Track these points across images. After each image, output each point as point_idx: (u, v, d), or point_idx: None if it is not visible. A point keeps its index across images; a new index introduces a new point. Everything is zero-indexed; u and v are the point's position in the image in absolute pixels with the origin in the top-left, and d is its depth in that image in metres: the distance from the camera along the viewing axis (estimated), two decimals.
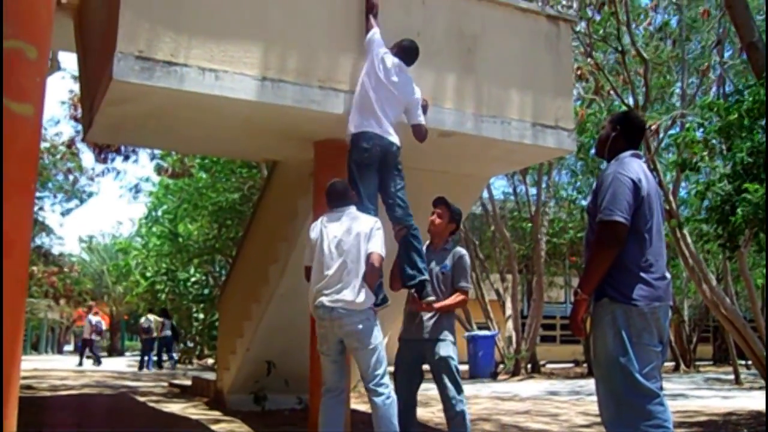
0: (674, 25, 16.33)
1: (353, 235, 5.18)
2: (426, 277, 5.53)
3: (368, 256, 5.13)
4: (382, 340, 5.26)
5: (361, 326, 5.07)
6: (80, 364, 22.96)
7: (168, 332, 22.14)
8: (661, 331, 3.79)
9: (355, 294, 5.08)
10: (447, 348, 5.39)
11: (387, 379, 5.11)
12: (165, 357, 22.63)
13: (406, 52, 6.06)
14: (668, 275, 3.93)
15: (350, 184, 5.63)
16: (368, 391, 5.12)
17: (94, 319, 23.86)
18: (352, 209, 5.34)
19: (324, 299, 5.10)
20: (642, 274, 3.77)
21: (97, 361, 23.57)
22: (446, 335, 5.44)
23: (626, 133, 4.12)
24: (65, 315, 46.20)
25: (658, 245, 3.87)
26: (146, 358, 22.13)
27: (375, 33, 6.02)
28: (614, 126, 4.16)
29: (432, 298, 5.47)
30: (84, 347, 24.13)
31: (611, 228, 3.72)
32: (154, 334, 22.15)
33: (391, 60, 5.95)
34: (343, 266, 5.12)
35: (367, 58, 5.95)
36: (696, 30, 16.32)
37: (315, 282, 5.21)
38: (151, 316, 22.67)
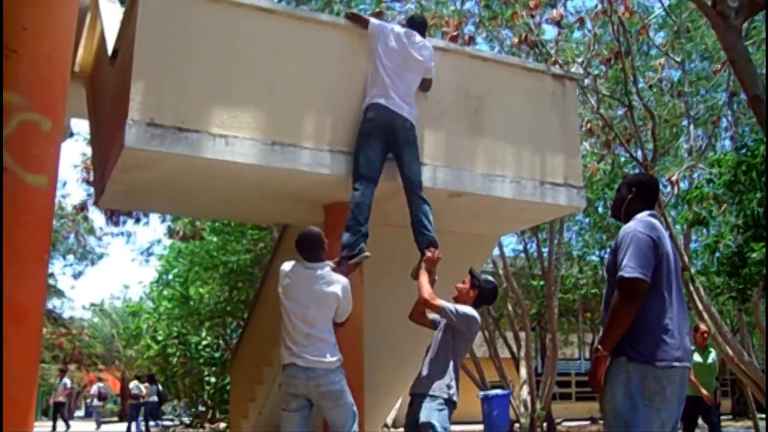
0: (680, 77, 16.47)
1: (325, 295, 5.17)
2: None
3: (339, 323, 5.26)
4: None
5: (336, 386, 5.08)
6: (53, 429, 22.72)
7: (154, 398, 22.04)
8: (679, 393, 3.74)
9: (330, 353, 5.09)
10: (429, 412, 5.08)
11: None
12: (152, 423, 22.49)
13: (416, 22, 6.55)
14: (687, 338, 3.89)
15: (354, 154, 5.92)
16: None
17: (94, 386, 23.63)
18: (326, 269, 5.31)
19: (297, 360, 5.04)
20: (661, 334, 3.74)
21: (67, 425, 23.28)
22: (436, 391, 5.15)
23: (642, 194, 4.15)
24: (76, 380, 45.91)
25: (678, 304, 3.86)
26: (134, 423, 21.98)
27: (373, 20, 6.44)
28: (630, 188, 4.19)
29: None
30: (56, 411, 23.85)
31: (632, 285, 3.70)
32: (141, 400, 22.09)
33: (399, 29, 6.36)
34: (316, 325, 5.11)
35: (375, 42, 6.23)
36: (706, 81, 16.44)
37: (287, 340, 5.15)
38: (141, 385, 22.62)
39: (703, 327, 9.99)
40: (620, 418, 3.68)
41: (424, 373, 5.26)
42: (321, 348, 5.08)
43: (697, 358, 9.19)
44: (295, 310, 5.14)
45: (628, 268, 3.72)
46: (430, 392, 5.12)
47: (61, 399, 23.45)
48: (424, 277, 5.55)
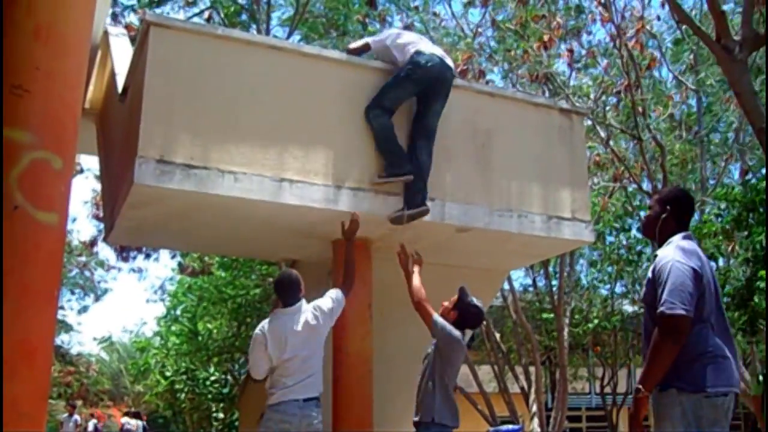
0: (689, 111, 16.54)
1: (310, 327, 5.12)
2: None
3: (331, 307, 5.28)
4: None
5: (320, 425, 5.01)
6: None
7: None
8: (728, 419, 3.61)
9: (320, 385, 5.11)
10: None
11: None
12: None
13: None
14: (733, 362, 3.73)
15: (387, 85, 6.14)
16: None
17: (91, 423, 23.65)
18: (303, 304, 5.26)
19: (293, 394, 4.95)
20: (710, 361, 3.58)
21: None
22: (425, 417, 5.05)
23: (677, 213, 3.95)
24: (84, 416, 45.69)
25: (722, 330, 3.71)
26: None
27: (369, 39, 6.82)
28: (664, 206, 3.97)
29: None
30: None
31: (674, 322, 3.52)
32: None
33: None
34: (309, 360, 5.06)
35: (387, 41, 6.54)
36: (714, 115, 16.49)
37: (281, 377, 5.03)
38: (132, 420, 22.74)
39: None
40: None
41: (417, 400, 5.20)
42: (315, 381, 5.07)
43: None
44: (288, 357, 5.06)
45: (669, 304, 3.53)
46: (423, 419, 5.05)
47: None
48: (415, 277, 5.48)
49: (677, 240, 3.84)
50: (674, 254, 3.71)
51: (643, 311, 3.82)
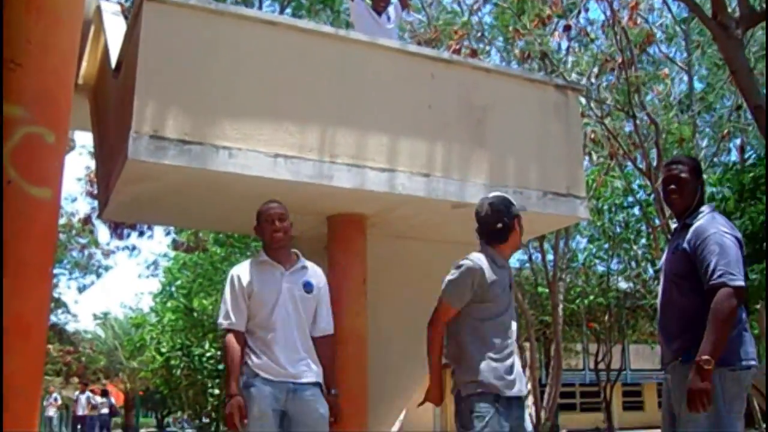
0: (686, 91, 16.52)
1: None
2: None
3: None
4: None
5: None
6: None
7: (105, 410, 22.41)
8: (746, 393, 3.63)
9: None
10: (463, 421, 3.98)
11: None
12: None
13: None
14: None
15: None
16: None
17: (83, 396, 23.83)
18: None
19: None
20: (737, 337, 3.59)
21: None
22: (463, 390, 4.06)
23: (702, 182, 3.96)
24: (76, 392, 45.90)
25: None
26: None
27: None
28: (699, 178, 3.94)
29: None
30: (76, 424, 24.12)
31: (738, 293, 3.52)
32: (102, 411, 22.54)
33: None
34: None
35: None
36: (712, 90, 16.49)
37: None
38: (98, 397, 23.00)
39: None
40: (703, 428, 3.49)
41: None
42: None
43: None
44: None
45: (730, 275, 3.52)
46: (462, 393, 4.08)
47: (86, 413, 23.57)
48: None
49: (710, 211, 3.82)
50: (718, 225, 3.71)
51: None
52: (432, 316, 4.28)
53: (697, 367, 3.47)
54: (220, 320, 4.62)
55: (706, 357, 3.46)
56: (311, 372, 4.52)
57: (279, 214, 4.79)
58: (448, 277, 4.28)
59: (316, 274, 4.85)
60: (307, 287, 4.69)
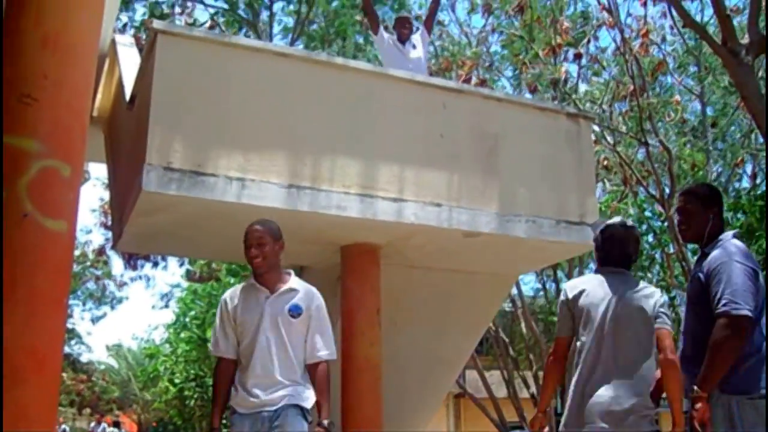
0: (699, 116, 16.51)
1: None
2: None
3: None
4: None
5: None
6: None
7: None
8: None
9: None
10: None
11: None
12: None
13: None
14: None
15: None
16: None
17: (99, 428, 23.91)
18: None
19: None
20: (755, 364, 3.55)
21: None
22: None
23: (721, 211, 3.91)
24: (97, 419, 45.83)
25: (761, 329, 3.66)
26: None
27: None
28: (710, 205, 3.90)
29: None
30: None
31: (741, 323, 3.48)
32: None
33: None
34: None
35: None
36: (724, 115, 16.45)
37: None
38: (111, 428, 23.03)
39: None
40: None
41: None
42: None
43: None
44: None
45: (734, 304, 3.48)
46: None
47: None
48: None
49: (730, 239, 3.79)
50: (732, 254, 3.67)
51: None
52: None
53: (692, 398, 3.53)
54: (210, 347, 4.59)
55: (695, 388, 3.52)
56: (292, 396, 4.27)
57: (257, 239, 4.48)
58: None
59: (307, 296, 4.48)
60: (293, 311, 4.38)
